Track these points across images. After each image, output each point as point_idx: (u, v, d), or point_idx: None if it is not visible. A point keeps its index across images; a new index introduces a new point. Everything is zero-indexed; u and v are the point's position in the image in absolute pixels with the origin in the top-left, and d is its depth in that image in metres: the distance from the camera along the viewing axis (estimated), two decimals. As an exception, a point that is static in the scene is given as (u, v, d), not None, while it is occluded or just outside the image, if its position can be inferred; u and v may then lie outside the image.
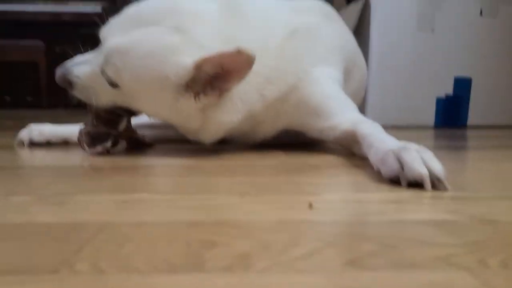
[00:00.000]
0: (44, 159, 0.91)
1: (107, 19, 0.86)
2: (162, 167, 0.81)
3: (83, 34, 0.89)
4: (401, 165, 0.60)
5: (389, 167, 0.62)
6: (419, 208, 0.51)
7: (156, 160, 0.87)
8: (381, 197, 0.56)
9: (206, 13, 0.83)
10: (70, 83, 0.87)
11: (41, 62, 3.04)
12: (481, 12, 1.73)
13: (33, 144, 1.04)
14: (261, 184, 0.64)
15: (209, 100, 0.80)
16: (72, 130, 1.04)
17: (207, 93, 0.80)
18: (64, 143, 1.05)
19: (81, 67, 0.87)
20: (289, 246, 0.37)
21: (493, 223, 0.45)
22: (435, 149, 0.97)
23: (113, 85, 0.83)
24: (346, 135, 0.86)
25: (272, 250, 0.36)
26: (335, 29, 1.04)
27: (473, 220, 0.45)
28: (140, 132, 1.02)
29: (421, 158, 0.59)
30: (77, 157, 0.89)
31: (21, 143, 1.04)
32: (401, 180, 0.60)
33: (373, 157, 0.69)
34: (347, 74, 1.03)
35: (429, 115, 1.76)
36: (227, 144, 1.08)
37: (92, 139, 0.89)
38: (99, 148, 0.89)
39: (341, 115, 0.90)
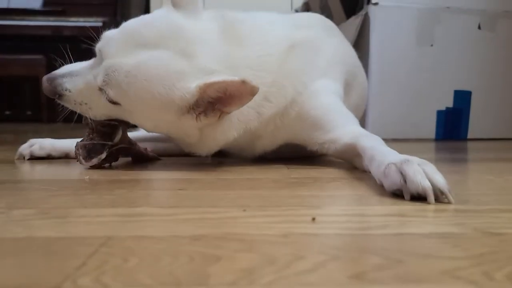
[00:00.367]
0: (45, 173, 0.91)
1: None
2: (162, 180, 0.81)
3: (84, 48, 0.88)
4: (404, 178, 0.60)
5: (392, 181, 0.62)
6: (423, 221, 0.50)
7: (156, 174, 0.87)
8: (384, 210, 0.55)
9: (207, 34, 0.84)
10: (60, 95, 0.86)
11: (41, 76, 3.04)
12: (479, 26, 1.75)
13: (33, 158, 1.04)
14: (263, 197, 0.64)
15: (209, 120, 0.82)
16: (72, 144, 1.04)
17: (207, 114, 0.81)
18: (65, 157, 1.05)
19: (73, 80, 0.86)
20: (293, 260, 0.36)
21: (498, 235, 0.44)
22: (437, 162, 0.98)
23: (113, 102, 0.83)
24: (347, 148, 0.86)
25: (276, 264, 0.35)
26: (335, 43, 1.05)
27: (478, 233, 0.45)
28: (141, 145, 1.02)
29: (423, 171, 0.59)
30: (77, 171, 0.88)
31: (22, 157, 1.04)
32: (404, 193, 0.60)
33: (375, 170, 0.69)
34: (347, 88, 1.03)
35: (429, 128, 1.76)
36: (228, 158, 1.08)
37: (87, 152, 0.88)
38: (94, 160, 0.88)
39: (342, 128, 0.90)
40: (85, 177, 0.79)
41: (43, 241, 0.42)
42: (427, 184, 0.57)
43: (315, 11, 2.01)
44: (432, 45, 1.72)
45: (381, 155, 0.71)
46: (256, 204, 0.58)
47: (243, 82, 0.75)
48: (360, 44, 1.73)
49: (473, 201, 0.61)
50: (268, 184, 0.75)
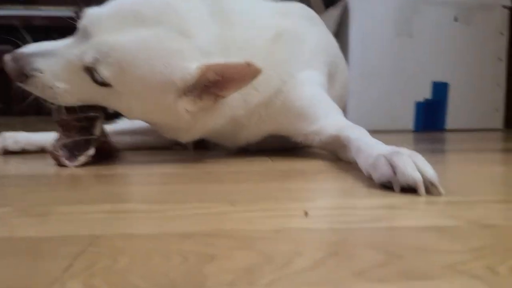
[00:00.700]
0: (20, 168, 0.87)
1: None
2: (145, 175, 0.78)
3: (55, 39, 0.82)
4: (394, 170, 0.59)
5: (381, 172, 0.61)
6: (416, 214, 0.50)
7: (138, 168, 0.85)
8: (375, 203, 0.55)
9: (200, 14, 0.81)
10: (26, 76, 0.77)
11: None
12: (455, 18, 1.76)
13: (7, 153, 1.00)
14: (251, 191, 0.62)
15: (204, 104, 0.79)
16: (48, 137, 1.00)
17: (203, 98, 0.79)
18: (40, 152, 1.01)
19: (45, 60, 0.77)
20: (291, 257, 0.35)
21: (492, 227, 0.44)
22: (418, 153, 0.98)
23: (101, 84, 0.77)
24: (332, 139, 0.86)
25: (275, 262, 0.34)
26: (319, 33, 1.04)
27: (472, 225, 0.45)
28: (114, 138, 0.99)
29: (413, 163, 0.59)
30: (54, 166, 0.83)
31: (-5, 152, 1.00)
32: (393, 185, 0.59)
33: (363, 162, 0.68)
34: (330, 78, 1.03)
35: (408, 119, 1.78)
36: (211, 151, 1.06)
37: (70, 151, 0.82)
38: (82, 158, 0.82)
39: (326, 119, 0.89)
40: (63, 172, 0.76)
41: (25, 241, 0.40)
42: (417, 176, 0.57)
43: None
44: (411, 37, 1.72)
45: (368, 146, 0.70)
46: (245, 198, 0.57)
47: (248, 64, 0.73)
48: (340, 35, 1.73)
49: (462, 193, 0.61)
50: (254, 177, 0.73)
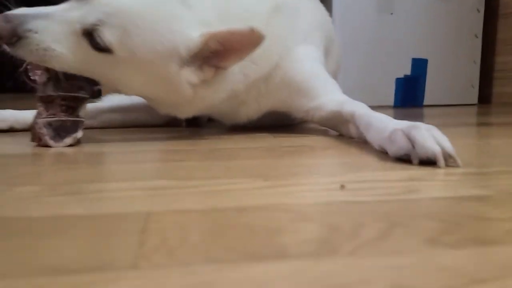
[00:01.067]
0: (25, 149, 0.84)
1: None
2: (154, 152, 0.77)
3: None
4: (412, 144, 0.61)
5: (399, 146, 0.62)
6: (447, 184, 0.51)
7: (142, 146, 0.82)
8: (399, 175, 0.56)
9: None
10: (18, 38, 0.71)
11: None
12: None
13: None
14: (271, 166, 0.62)
15: (204, 76, 0.78)
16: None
17: (203, 69, 0.78)
18: (29, 130, 0.98)
19: (42, 20, 0.72)
20: (356, 228, 0.36)
21: (523, 196, 0.46)
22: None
23: (102, 49, 0.73)
24: (333, 115, 0.87)
25: (345, 233, 0.35)
26: (315, 7, 1.04)
27: (505, 194, 0.46)
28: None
29: (431, 136, 0.60)
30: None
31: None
32: (412, 158, 0.61)
33: (375, 137, 0.70)
34: (327, 53, 1.03)
35: (388, 95, 1.81)
36: (203, 128, 1.05)
37: (55, 130, 0.77)
38: (68, 140, 0.78)
39: (326, 95, 0.90)
40: (78, 150, 0.74)
41: (77, 219, 0.39)
42: (437, 149, 0.59)
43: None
44: (392, 14, 1.75)
45: (380, 121, 0.71)
46: (270, 174, 0.57)
47: (252, 30, 0.73)
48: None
49: (477, 165, 0.63)
50: (264, 153, 0.73)
